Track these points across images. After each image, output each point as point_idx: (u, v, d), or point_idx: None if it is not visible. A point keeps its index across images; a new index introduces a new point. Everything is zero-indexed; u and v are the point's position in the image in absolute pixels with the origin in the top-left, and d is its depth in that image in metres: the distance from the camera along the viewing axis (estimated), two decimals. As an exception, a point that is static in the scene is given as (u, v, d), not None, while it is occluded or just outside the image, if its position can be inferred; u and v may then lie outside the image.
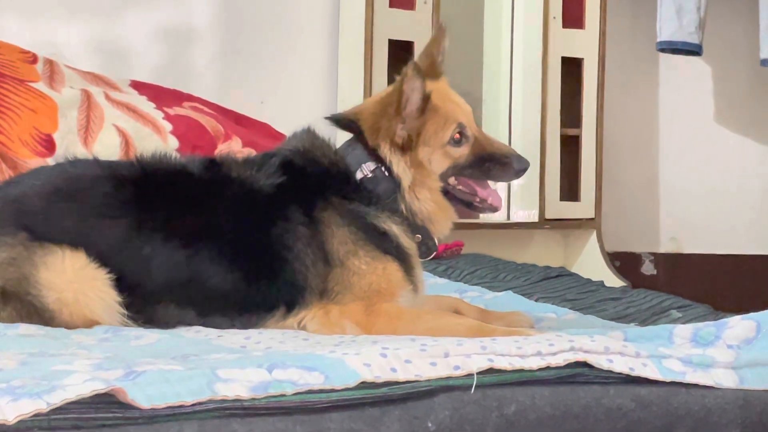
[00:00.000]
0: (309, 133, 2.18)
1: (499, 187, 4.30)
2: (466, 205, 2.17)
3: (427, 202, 2.12)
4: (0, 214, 2.05)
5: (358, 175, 2.11)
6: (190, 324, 2.02)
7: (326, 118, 2.19)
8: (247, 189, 2.10)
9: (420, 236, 2.13)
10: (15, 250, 1.98)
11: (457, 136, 2.12)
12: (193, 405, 1.44)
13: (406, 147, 2.11)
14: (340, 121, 2.18)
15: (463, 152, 2.13)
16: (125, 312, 1.99)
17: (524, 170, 2.14)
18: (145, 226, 2.04)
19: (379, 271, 2.06)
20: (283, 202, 2.08)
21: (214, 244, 2.04)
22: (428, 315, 2.05)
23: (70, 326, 1.96)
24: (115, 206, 2.05)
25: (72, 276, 1.97)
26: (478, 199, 2.15)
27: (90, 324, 1.97)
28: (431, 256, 2.17)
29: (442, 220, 2.15)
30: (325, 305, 2.04)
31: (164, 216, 2.06)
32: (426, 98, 2.10)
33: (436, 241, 2.17)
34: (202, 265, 2.03)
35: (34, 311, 1.97)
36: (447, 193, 2.15)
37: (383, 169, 2.11)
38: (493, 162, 2.13)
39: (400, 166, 2.11)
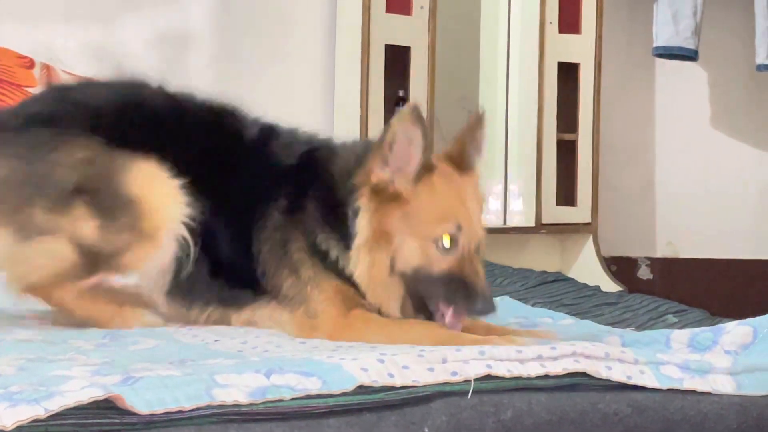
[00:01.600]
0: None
1: (496, 191, 4.33)
2: (422, 310, 1.94)
3: (363, 271, 1.93)
4: (70, 117, 2.06)
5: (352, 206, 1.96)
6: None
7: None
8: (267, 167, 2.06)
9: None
10: (92, 152, 2.00)
11: (447, 243, 1.89)
12: (191, 410, 1.44)
13: (383, 198, 1.91)
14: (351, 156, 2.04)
15: (441, 263, 1.90)
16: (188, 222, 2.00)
17: (483, 313, 1.91)
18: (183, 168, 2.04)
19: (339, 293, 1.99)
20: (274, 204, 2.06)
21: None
22: (397, 324, 1.97)
23: (148, 221, 1.97)
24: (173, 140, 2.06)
25: (152, 174, 1.99)
26: (439, 314, 1.91)
27: (163, 224, 1.98)
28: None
29: (377, 298, 1.94)
30: (295, 308, 2.03)
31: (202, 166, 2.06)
32: (428, 167, 1.90)
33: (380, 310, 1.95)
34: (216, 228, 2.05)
35: (110, 204, 1.96)
36: (408, 288, 1.93)
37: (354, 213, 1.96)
38: (462, 289, 1.89)
39: (363, 219, 1.93)
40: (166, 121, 2.09)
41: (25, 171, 2.00)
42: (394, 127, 1.89)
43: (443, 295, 1.91)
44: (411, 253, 1.92)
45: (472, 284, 1.89)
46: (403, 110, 1.90)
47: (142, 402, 1.42)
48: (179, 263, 2.03)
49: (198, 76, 3.88)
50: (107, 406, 1.42)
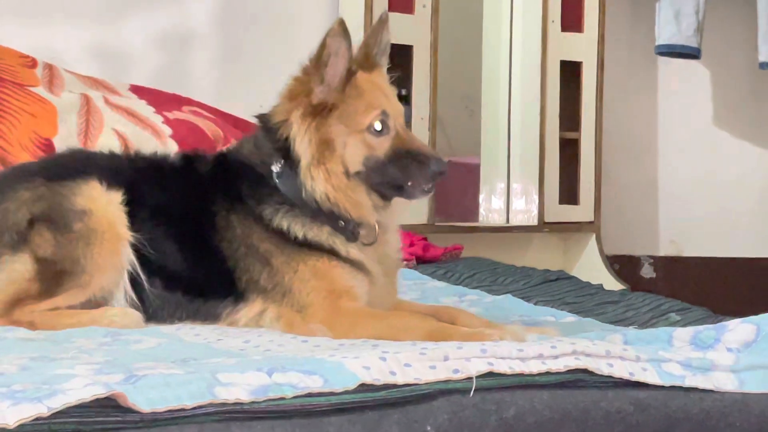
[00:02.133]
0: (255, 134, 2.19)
1: (498, 191, 4.33)
2: (396, 188, 2.07)
3: (321, 183, 2.04)
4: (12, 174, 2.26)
5: (274, 171, 2.09)
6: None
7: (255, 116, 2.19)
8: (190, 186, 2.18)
9: (342, 222, 2.07)
10: (37, 189, 2.12)
11: (379, 125, 2.05)
12: (193, 408, 1.45)
13: (318, 113, 2.04)
14: (259, 118, 2.17)
15: (382, 145, 2.05)
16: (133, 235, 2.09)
17: (441, 173, 2.04)
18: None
19: (321, 274, 2.05)
20: (212, 200, 2.13)
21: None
22: (388, 315, 2.04)
23: (99, 224, 2.06)
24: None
25: (94, 188, 2.11)
26: (409, 183, 2.05)
27: (113, 231, 2.05)
28: (371, 243, 2.09)
29: (347, 203, 2.05)
30: (280, 303, 2.06)
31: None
32: (351, 72, 2.06)
33: (359, 223, 2.07)
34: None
35: (63, 219, 2.06)
36: (369, 182, 2.06)
37: (287, 159, 2.06)
38: (410, 159, 2.03)
39: (304, 141, 2.05)
40: (96, 159, 2.23)
41: None
42: (328, 43, 2.04)
43: (400, 173, 2.05)
44: (355, 148, 2.05)
45: (417, 151, 2.06)
46: (333, 27, 2.04)
47: (145, 400, 1.43)
48: (135, 271, 2.09)
49: (201, 76, 3.89)
50: (110, 405, 1.42)
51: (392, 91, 2.14)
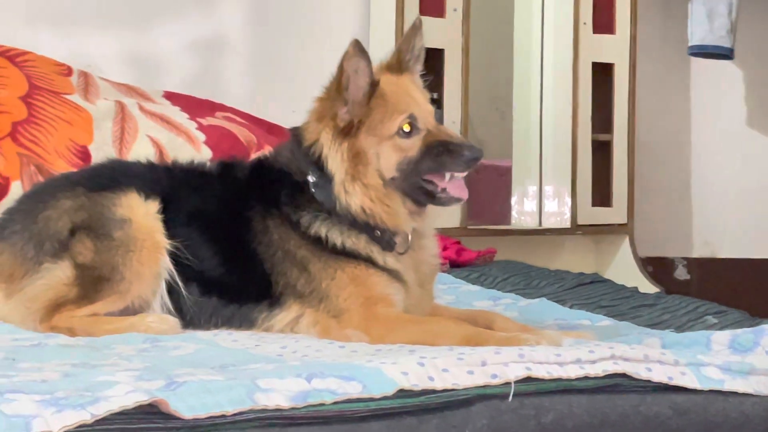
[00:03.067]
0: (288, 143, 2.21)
1: (531, 194, 4.32)
2: (428, 195, 2.08)
3: (357, 197, 2.06)
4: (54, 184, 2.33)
5: (310, 180, 2.11)
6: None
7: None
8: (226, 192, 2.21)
9: (379, 232, 2.09)
10: (78, 198, 2.18)
11: (408, 127, 2.06)
12: (233, 415, 1.46)
13: (347, 132, 2.07)
14: (292, 132, 2.20)
15: (413, 145, 2.06)
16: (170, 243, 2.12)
17: (476, 159, 2.03)
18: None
19: (359, 281, 2.06)
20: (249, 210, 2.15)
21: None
22: (423, 320, 2.05)
23: (136, 238, 2.09)
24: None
25: (134, 199, 2.15)
26: (439, 189, 2.06)
27: (152, 239, 2.09)
28: (405, 251, 2.10)
29: (383, 214, 2.07)
30: (317, 308, 2.07)
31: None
32: (374, 84, 2.07)
33: (395, 233, 2.09)
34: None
35: (104, 227, 2.10)
36: (404, 187, 2.08)
37: (322, 172, 2.08)
38: (442, 149, 2.04)
39: (336, 159, 2.08)
40: (135, 170, 2.27)
41: (26, 237, 2.15)
42: (345, 66, 2.05)
43: (435, 165, 2.05)
44: (388, 156, 2.07)
45: (449, 141, 2.06)
46: (347, 50, 2.05)
47: (186, 406, 1.44)
48: (173, 278, 2.11)
49: (233, 82, 3.90)
50: (151, 411, 1.43)
51: (421, 93, 2.15)
